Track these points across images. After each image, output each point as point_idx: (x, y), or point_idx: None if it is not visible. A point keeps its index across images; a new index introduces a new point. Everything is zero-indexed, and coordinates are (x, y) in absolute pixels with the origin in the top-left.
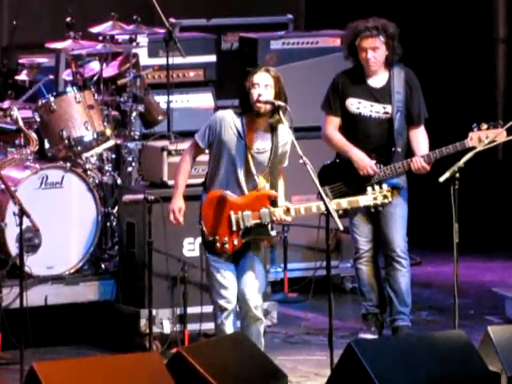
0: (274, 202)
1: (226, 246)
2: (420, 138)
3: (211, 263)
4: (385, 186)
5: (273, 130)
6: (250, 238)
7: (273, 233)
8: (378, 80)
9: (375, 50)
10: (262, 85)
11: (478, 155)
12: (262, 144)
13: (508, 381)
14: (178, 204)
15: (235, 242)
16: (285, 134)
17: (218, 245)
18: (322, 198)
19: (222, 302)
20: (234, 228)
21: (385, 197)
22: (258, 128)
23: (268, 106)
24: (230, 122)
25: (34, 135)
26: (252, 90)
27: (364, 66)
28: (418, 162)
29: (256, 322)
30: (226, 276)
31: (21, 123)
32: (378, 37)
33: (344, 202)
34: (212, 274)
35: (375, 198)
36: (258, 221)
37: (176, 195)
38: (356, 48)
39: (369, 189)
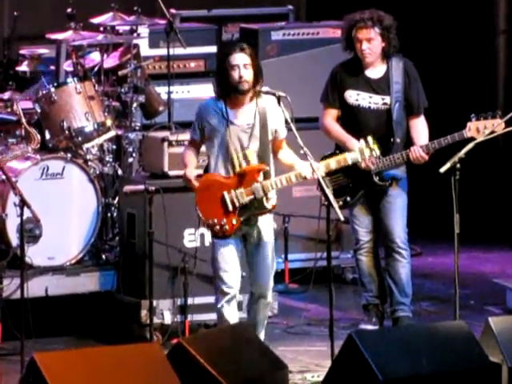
0: (265, 175)
1: (226, 227)
2: (420, 128)
3: (215, 248)
4: (369, 139)
5: (256, 102)
6: (248, 214)
7: (268, 206)
8: (376, 71)
9: (370, 41)
10: (241, 65)
11: (479, 144)
12: (248, 119)
13: (509, 371)
14: (189, 170)
15: (234, 222)
16: (270, 102)
17: (218, 227)
18: (322, 189)
19: (223, 287)
20: (230, 208)
21: (371, 149)
22: (241, 105)
23: (250, 82)
24: (213, 106)
25: (35, 133)
26: (232, 72)
27: (360, 58)
28: (416, 152)
29: (266, 307)
30: (228, 261)
31: (23, 120)
32: (373, 28)
33: (332, 163)
34: (215, 258)
35: (362, 153)
36: (251, 196)
37: (187, 167)
38: (353, 39)
39: (355, 142)
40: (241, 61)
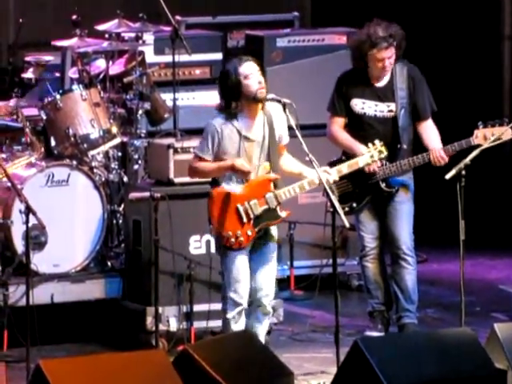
0: (275, 184)
1: (241, 238)
2: (429, 131)
3: (227, 258)
4: (377, 142)
5: (264, 111)
6: (263, 224)
7: (282, 214)
8: (381, 79)
9: (391, 58)
10: (255, 72)
11: (485, 151)
12: (259, 132)
13: None
14: (237, 160)
15: (249, 233)
16: (274, 108)
17: (233, 240)
18: (327, 196)
19: (235, 297)
20: (245, 219)
21: (380, 152)
22: (254, 116)
23: (266, 87)
24: (228, 125)
25: (38, 143)
26: (248, 81)
27: (372, 71)
28: (437, 152)
29: (265, 318)
30: (242, 272)
31: (27, 129)
32: (394, 44)
33: (344, 168)
34: (228, 269)
35: (372, 156)
36: (265, 206)
37: (226, 163)
38: (366, 56)
39: (363, 148)
40: (253, 68)
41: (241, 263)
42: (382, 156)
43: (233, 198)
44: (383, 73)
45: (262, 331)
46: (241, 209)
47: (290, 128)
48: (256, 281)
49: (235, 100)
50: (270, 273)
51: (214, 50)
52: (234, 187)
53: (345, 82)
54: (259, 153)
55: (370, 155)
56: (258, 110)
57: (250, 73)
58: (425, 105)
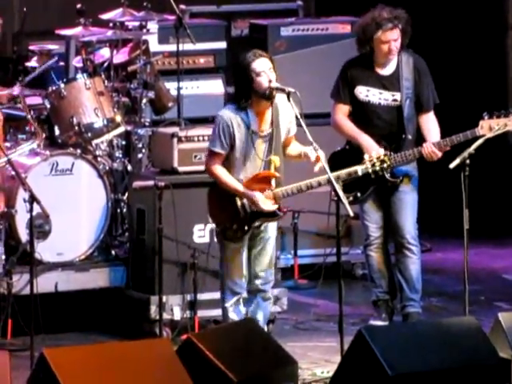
0: (277, 183)
1: (238, 232)
2: (430, 124)
3: (226, 248)
4: (381, 151)
5: (272, 106)
6: (260, 221)
7: (280, 213)
8: (386, 67)
9: (396, 41)
10: (267, 70)
11: (489, 140)
12: (267, 127)
13: None
14: (258, 194)
15: (245, 228)
16: (281, 101)
17: (230, 232)
18: (332, 185)
19: (234, 287)
20: (242, 214)
21: (382, 162)
22: (264, 111)
23: None
24: (238, 118)
25: (40, 130)
26: (259, 78)
27: (377, 56)
28: (429, 148)
29: (266, 302)
30: (239, 262)
31: (29, 116)
32: (398, 27)
33: (343, 174)
34: (226, 259)
35: (373, 165)
36: None
37: (247, 192)
38: (372, 41)
39: (366, 156)
40: (266, 66)
41: (238, 252)
42: (384, 165)
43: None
44: (389, 57)
45: (263, 317)
46: (239, 204)
47: (295, 117)
48: (255, 268)
49: (246, 94)
50: (268, 259)
51: (218, 38)
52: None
53: (350, 69)
54: (266, 148)
55: (371, 164)
56: (267, 106)
57: (261, 70)
58: (428, 97)
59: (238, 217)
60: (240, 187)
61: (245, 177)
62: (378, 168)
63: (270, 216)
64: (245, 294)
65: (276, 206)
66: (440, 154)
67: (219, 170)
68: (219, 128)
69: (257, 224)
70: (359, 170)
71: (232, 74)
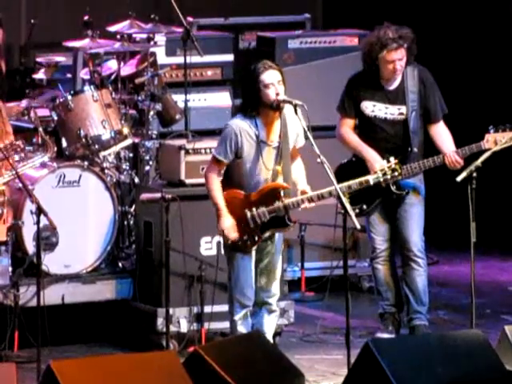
0: (286, 193)
1: (248, 243)
2: (443, 134)
3: (234, 261)
4: (392, 160)
5: (281, 116)
6: (270, 231)
7: (290, 223)
8: (392, 82)
9: (402, 60)
10: (276, 82)
11: (496, 153)
12: (275, 137)
13: None
14: (230, 221)
15: (256, 239)
16: (289, 112)
17: (240, 243)
18: (339, 198)
19: (243, 299)
20: (252, 225)
21: (394, 170)
22: (272, 122)
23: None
24: (247, 128)
25: (51, 142)
26: (267, 90)
27: (382, 73)
28: (453, 157)
29: (272, 315)
30: (248, 274)
31: (40, 128)
32: (404, 46)
33: (354, 184)
34: (235, 271)
35: (384, 174)
36: (273, 214)
37: (223, 214)
38: (377, 60)
39: (377, 165)
40: (275, 78)
41: (246, 265)
42: (396, 174)
43: (242, 203)
44: (394, 75)
45: (269, 329)
46: (249, 215)
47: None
48: (261, 281)
49: (253, 104)
50: (274, 273)
51: (225, 51)
52: (242, 192)
53: (355, 84)
54: (274, 158)
55: (382, 173)
56: (276, 117)
57: (270, 82)
58: (436, 108)
59: (248, 228)
60: (221, 206)
61: (251, 187)
62: (389, 177)
63: (281, 226)
64: (251, 307)
65: (236, 237)
66: (462, 162)
67: (213, 181)
68: (226, 137)
69: (267, 234)
70: (371, 179)
71: (240, 83)
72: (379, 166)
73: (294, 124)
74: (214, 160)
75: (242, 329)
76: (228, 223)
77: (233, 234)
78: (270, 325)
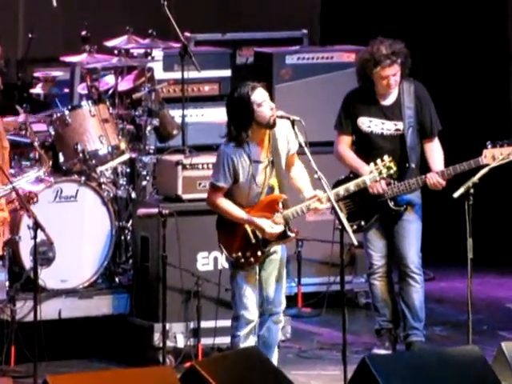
0: (284, 204)
1: (251, 259)
2: (434, 152)
3: (238, 277)
4: (386, 158)
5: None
6: (272, 244)
7: (291, 234)
8: (388, 98)
9: (395, 75)
10: (266, 98)
11: (493, 169)
12: (267, 154)
13: None
14: (265, 221)
15: (259, 254)
16: (279, 124)
17: (243, 260)
18: (335, 213)
19: (247, 315)
20: (253, 241)
21: (389, 168)
22: (263, 139)
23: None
24: (240, 151)
25: (46, 157)
26: (261, 108)
27: (378, 88)
28: (434, 178)
29: (277, 326)
30: (252, 290)
31: (36, 143)
32: (397, 62)
33: (351, 186)
34: (239, 288)
35: (380, 173)
36: None
37: (254, 220)
38: (372, 75)
39: (371, 165)
40: (264, 95)
41: (250, 279)
42: (391, 172)
43: None
44: (389, 90)
45: (275, 338)
46: (249, 230)
47: (299, 145)
48: (267, 292)
49: (246, 128)
50: (279, 281)
51: (222, 66)
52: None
53: (351, 100)
54: (269, 173)
55: (377, 172)
56: (266, 133)
57: (262, 100)
58: (431, 124)
59: (249, 244)
60: (246, 216)
61: (248, 204)
62: (385, 175)
63: (282, 238)
64: (256, 321)
65: (282, 228)
66: (444, 184)
67: (224, 203)
68: (223, 162)
69: (269, 248)
70: (367, 179)
71: (230, 109)
72: (372, 164)
73: (282, 134)
74: (214, 188)
75: (245, 345)
76: (265, 223)
77: (277, 228)
78: (274, 336)
